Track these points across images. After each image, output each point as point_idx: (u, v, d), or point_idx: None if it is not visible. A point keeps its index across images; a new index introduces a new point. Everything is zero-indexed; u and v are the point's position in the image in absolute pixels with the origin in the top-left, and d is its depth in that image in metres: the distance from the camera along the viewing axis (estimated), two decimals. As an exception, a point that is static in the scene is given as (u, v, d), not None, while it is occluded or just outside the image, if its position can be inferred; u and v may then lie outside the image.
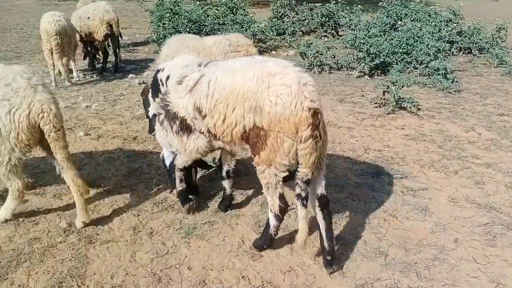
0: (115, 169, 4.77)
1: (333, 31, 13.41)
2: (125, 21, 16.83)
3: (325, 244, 3.22)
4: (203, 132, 3.34)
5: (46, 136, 3.41)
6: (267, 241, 3.43)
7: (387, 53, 8.96)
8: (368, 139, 5.73)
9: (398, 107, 6.72)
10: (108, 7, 8.56)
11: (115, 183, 4.46)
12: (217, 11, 13.35)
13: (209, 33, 11.24)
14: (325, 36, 13.32)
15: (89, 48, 9.22)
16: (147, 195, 4.23)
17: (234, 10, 13.16)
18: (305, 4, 14.68)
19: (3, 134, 3.29)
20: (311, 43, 9.61)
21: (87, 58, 9.39)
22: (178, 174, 3.85)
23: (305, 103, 2.84)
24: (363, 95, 7.64)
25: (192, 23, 11.29)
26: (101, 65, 9.22)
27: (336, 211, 4.03)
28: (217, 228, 3.75)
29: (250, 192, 4.36)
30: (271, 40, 12.26)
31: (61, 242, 3.48)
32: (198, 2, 14.69)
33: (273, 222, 3.34)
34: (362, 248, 3.55)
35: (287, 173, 3.09)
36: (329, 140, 5.59)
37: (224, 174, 3.94)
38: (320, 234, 3.23)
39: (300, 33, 13.10)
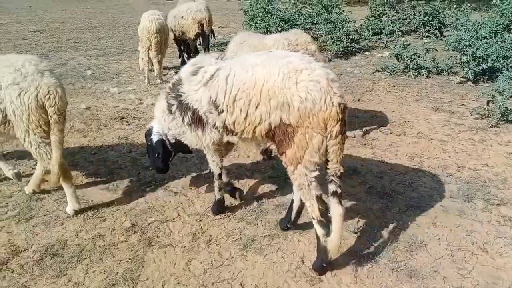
0: (186, 170, 4.77)
1: (436, 31, 12.32)
2: (224, 20, 17.30)
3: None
4: (217, 127, 3.26)
5: (49, 117, 3.59)
6: (325, 258, 3.12)
7: (496, 57, 7.92)
8: (463, 155, 5.04)
9: (504, 120, 5.86)
10: (201, 6, 8.73)
11: (184, 185, 4.44)
12: (311, 10, 13.05)
13: (300, 32, 11.00)
14: (427, 36, 12.31)
15: (182, 47, 9.53)
16: (212, 200, 4.14)
17: (330, 8, 12.74)
18: (407, 2, 13.70)
19: (17, 116, 3.53)
20: (408, 44, 8.87)
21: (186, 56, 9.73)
22: (217, 183, 3.84)
23: (335, 98, 2.83)
24: (463, 104, 6.82)
25: (284, 22, 11.14)
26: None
27: (414, 237, 3.56)
28: (277, 243, 3.51)
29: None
30: (365, 40, 11.62)
31: (122, 242, 3.52)
32: (292, 1, 14.50)
33: (319, 230, 3.09)
34: (440, 286, 3.06)
35: (317, 173, 2.99)
36: (416, 154, 5.05)
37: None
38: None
39: (399, 33, 12.24)
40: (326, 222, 3.04)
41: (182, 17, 8.73)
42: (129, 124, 6.09)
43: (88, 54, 10.87)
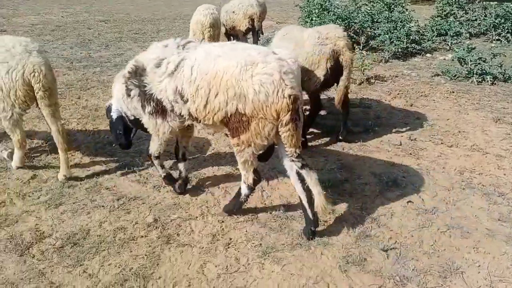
0: (218, 168, 4.69)
1: (508, 34, 11.34)
2: (283, 16, 17.14)
3: (309, 214, 3.41)
4: (183, 115, 3.48)
5: (36, 94, 3.94)
6: (237, 207, 3.74)
7: None
8: (521, 174, 4.55)
9: None
10: (252, 1, 8.64)
11: (212, 183, 4.36)
12: (372, 8, 12.52)
13: (357, 31, 10.59)
14: (498, 40, 11.36)
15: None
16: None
17: (392, 7, 12.15)
18: (478, 2, 12.75)
19: (4, 91, 3.89)
20: (474, 48, 8.21)
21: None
22: (156, 162, 4.05)
23: (286, 90, 3.03)
24: (529, 116, 6.19)
25: (341, 19, 10.75)
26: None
27: (450, 262, 3.22)
28: (297, 254, 3.32)
29: (347, 217, 3.80)
30: (428, 41, 10.94)
31: (142, 237, 3.50)
32: (353, -2, 14.02)
33: (245, 191, 3.62)
34: (473, 321, 2.74)
35: (262, 151, 3.42)
36: (467, 168, 4.62)
37: (180, 156, 4.14)
38: (303, 205, 3.43)
39: (467, 35, 11.43)
40: (254, 188, 3.63)
41: (234, 12, 8.68)
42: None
43: (145, 46, 11.11)
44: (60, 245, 3.34)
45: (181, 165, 4.15)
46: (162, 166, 4.11)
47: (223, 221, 3.72)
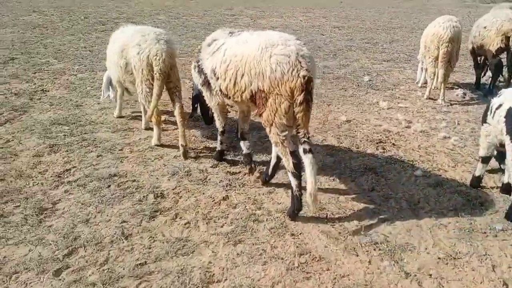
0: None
1: None
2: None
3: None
4: (216, 91, 4.05)
5: (154, 74, 4.62)
6: (298, 205, 3.66)
7: None
8: None
9: None
10: (510, 14, 6.77)
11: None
12: None
13: None
14: None
15: (478, 63, 7.77)
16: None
17: None
18: None
19: (136, 68, 4.69)
20: None
21: (483, 74, 7.96)
22: (219, 137, 4.67)
23: (301, 71, 3.31)
24: None
25: None
26: (487, 85, 7.64)
27: None
28: None
29: None
30: None
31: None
32: None
33: (293, 181, 3.61)
34: None
35: (287, 133, 3.53)
36: None
37: (239, 136, 4.53)
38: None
39: None
40: (298, 173, 3.57)
41: (485, 27, 7.01)
42: (384, 151, 5.19)
43: (374, 57, 10.33)
44: (226, 302, 2.90)
45: (241, 144, 4.49)
46: (222, 143, 4.70)
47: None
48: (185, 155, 4.79)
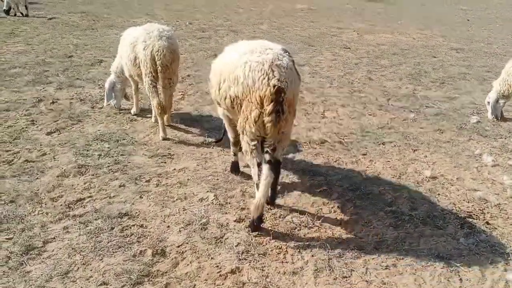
0: None
1: None
2: None
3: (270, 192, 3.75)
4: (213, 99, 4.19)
5: (157, 67, 5.06)
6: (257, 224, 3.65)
7: None
8: None
9: None
10: None
11: None
12: None
13: None
14: None
15: None
16: None
17: None
18: None
19: (143, 62, 5.08)
20: None
21: None
22: (232, 149, 4.53)
23: (272, 80, 3.25)
24: None
25: None
26: None
27: None
28: None
29: None
30: None
31: None
32: None
33: (257, 193, 3.56)
34: None
35: (256, 142, 3.49)
36: None
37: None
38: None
39: None
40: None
41: None
42: (471, 232, 3.82)
43: (489, 90, 8.49)
44: None
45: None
46: (235, 153, 4.53)
47: None
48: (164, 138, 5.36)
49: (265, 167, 3.42)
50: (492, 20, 21.58)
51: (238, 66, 3.40)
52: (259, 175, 3.50)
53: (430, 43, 13.82)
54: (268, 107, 3.25)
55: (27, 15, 14.89)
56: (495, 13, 25.34)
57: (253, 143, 3.50)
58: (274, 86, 3.23)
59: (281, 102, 3.28)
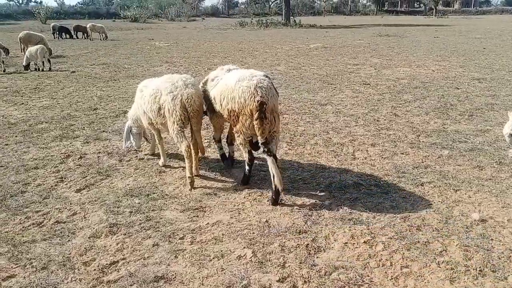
0: None
1: None
2: None
3: (272, 186, 4.81)
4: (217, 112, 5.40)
5: (188, 114, 5.26)
6: (245, 180, 5.40)
7: None
8: None
9: None
10: None
11: None
12: None
13: None
14: None
15: None
16: None
17: None
18: None
19: (171, 111, 5.22)
20: None
21: None
22: (217, 145, 6.15)
23: (256, 97, 4.56)
24: None
25: None
26: None
27: None
28: None
29: None
30: None
31: None
32: None
33: (246, 167, 5.31)
34: None
35: (250, 138, 4.96)
36: None
37: (228, 141, 6.09)
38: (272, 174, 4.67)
39: None
40: (250, 164, 5.27)
41: None
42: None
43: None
44: None
45: (230, 148, 6.04)
46: (220, 148, 6.12)
47: None
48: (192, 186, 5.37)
49: (268, 158, 4.67)
50: (509, 47, 21.40)
51: (235, 89, 4.71)
52: (249, 159, 5.19)
53: (451, 74, 13.67)
54: (255, 115, 4.55)
55: (49, 69, 15.34)
56: (510, 39, 25.22)
57: (247, 139, 4.95)
58: (258, 101, 4.53)
59: (264, 111, 4.55)
